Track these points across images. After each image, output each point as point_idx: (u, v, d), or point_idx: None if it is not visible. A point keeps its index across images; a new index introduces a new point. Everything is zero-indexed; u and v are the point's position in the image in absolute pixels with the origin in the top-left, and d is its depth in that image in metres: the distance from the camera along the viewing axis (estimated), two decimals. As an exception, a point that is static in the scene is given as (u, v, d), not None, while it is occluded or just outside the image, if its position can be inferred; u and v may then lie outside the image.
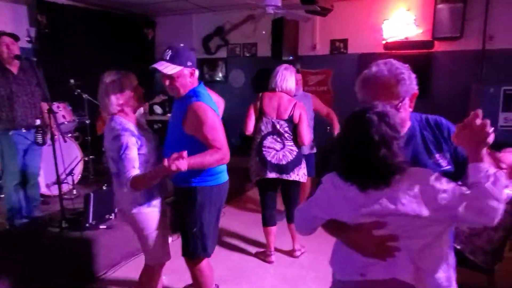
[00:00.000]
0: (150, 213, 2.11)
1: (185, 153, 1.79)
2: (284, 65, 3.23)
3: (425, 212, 1.14)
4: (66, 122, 4.15)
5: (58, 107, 4.08)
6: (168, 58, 2.02)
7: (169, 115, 5.99)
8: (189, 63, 2.05)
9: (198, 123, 2.00)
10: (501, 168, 2.33)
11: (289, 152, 3.09)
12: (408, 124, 1.36)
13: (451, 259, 1.29)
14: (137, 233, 2.16)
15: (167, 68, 1.99)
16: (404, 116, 1.31)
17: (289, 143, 3.10)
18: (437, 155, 1.33)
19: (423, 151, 1.33)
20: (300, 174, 3.14)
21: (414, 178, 1.16)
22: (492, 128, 1.13)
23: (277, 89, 3.16)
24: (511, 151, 2.37)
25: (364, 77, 1.33)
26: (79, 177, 4.30)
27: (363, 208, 1.18)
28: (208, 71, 6.93)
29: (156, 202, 2.13)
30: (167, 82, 2.07)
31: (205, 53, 6.82)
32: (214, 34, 6.72)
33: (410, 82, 1.29)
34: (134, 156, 1.97)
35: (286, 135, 3.09)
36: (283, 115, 3.09)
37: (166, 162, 1.77)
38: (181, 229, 2.23)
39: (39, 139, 3.22)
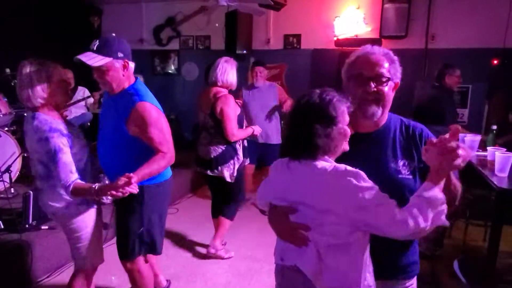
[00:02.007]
0: (88, 213, 2.00)
1: (132, 176, 1.68)
2: (225, 58, 3.13)
3: (337, 208, 1.10)
4: (1, 115, 3.82)
5: (-9, 98, 3.74)
6: (95, 48, 1.85)
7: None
8: (120, 54, 1.88)
9: (143, 125, 1.89)
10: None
11: (213, 148, 3.03)
12: (383, 120, 1.35)
13: (366, 267, 1.18)
14: (70, 235, 2.01)
15: (94, 59, 1.82)
16: (389, 97, 1.33)
17: (216, 139, 3.03)
18: (401, 162, 1.28)
19: (389, 153, 1.29)
20: (225, 173, 3.02)
21: (335, 175, 1.12)
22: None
23: (218, 83, 3.04)
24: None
25: (357, 54, 1.34)
26: (17, 174, 3.98)
27: (279, 192, 1.24)
28: (159, 63, 6.72)
29: (85, 204, 2.00)
30: (96, 75, 1.91)
31: (156, 44, 6.60)
32: (165, 25, 6.51)
33: (396, 70, 1.32)
34: (69, 160, 1.83)
35: (211, 130, 3.04)
36: (206, 109, 3.06)
37: (115, 190, 1.67)
38: (122, 230, 2.10)
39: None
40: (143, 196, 2.00)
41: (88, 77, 2.07)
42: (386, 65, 1.29)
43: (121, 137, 1.95)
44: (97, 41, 1.88)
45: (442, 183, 1.09)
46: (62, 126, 1.89)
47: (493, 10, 4.95)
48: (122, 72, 1.92)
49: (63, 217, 1.97)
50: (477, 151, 3.11)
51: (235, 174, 3.08)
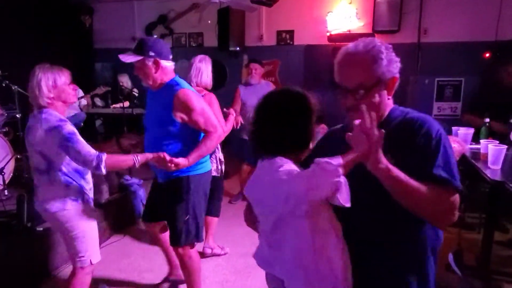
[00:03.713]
0: (84, 209, 2.05)
1: (182, 160, 2.03)
2: (199, 57, 3.08)
3: (277, 204, 1.09)
4: (-8, 117, 3.77)
5: (-18, 100, 3.70)
6: (133, 48, 2.13)
7: (114, 106, 5.72)
8: (151, 53, 2.08)
9: (187, 110, 2.10)
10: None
11: None
12: (384, 114, 1.21)
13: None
14: (65, 233, 2.04)
15: (127, 57, 2.09)
16: (378, 102, 1.17)
17: None
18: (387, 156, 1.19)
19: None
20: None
21: (285, 176, 1.09)
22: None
23: (192, 84, 2.95)
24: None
25: (340, 54, 1.20)
26: (10, 176, 3.95)
27: (249, 188, 1.25)
28: (152, 61, 6.67)
29: (89, 197, 2.10)
30: (135, 72, 2.17)
31: (149, 42, 6.55)
32: (157, 23, 6.47)
33: (388, 64, 1.15)
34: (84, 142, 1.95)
35: None
36: None
37: (156, 159, 1.99)
38: (171, 218, 2.26)
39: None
40: (189, 186, 2.21)
41: (82, 77, 2.09)
42: (371, 65, 1.13)
43: (171, 127, 2.14)
44: (137, 42, 2.16)
45: (348, 161, 1.02)
46: (68, 122, 2.01)
47: (484, 3, 4.97)
48: (154, 70, 2.11)
49: (57, 215, 1.99)
50: (471, 144, 3.13)
51: (219, 167, 3.10)
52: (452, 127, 3.23)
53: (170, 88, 2.13)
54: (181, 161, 2.05)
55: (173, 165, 2.02)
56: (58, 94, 1.99)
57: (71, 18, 6.29)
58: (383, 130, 1.03)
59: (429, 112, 4.68)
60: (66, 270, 2.90)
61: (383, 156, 1.04)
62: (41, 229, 2.96)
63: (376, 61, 1.14)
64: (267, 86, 4.20)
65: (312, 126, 1.18)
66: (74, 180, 2.03)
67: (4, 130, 4.20)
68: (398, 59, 1.19)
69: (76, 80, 5.27)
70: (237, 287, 2.82)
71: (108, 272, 2.98)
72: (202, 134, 2.24)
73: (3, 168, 3.71)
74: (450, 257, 2.36)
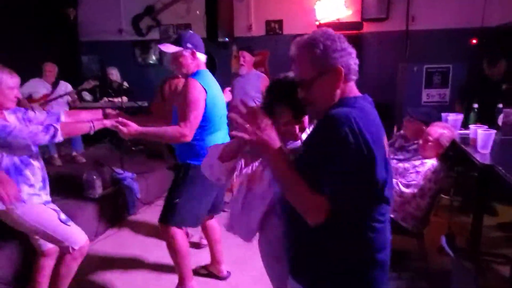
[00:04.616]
0: (25, 206, 2.01)
1: (133, 125, 2.09)
2: None
3: None
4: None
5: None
6: (172, 40, 2.32)
7: (102, 101, 5.65)
8: (189, 45, 2.25)
9: (182, 95, 2.21)
10: (428, 141, 2.54)
11: None
12: (329, 106, 1.18)
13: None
14: (28, 228, 2.06)
15: (168, 47, 2.27)
16: (321, 94, 1.18)
17: None
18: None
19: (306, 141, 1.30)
20: None
21: None
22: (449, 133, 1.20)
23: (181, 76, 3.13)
24: (437, 125, 2.59)
25: None
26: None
27: None
28: (140, 54, 6.58)
29: (37, 191, 2.06)
30: (171, 62, 2.33)
31: (136, 34, 6.45)
32: (144, 14, 6.36)
33: (324, 56, 1.14)
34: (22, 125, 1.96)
35: None
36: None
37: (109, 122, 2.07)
38: (166, 197, 2.42)
39: None
40: (187, 173, 2.32)
41: (69, 71, 2.06)
42: (307, 58, 1.16)
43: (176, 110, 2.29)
44: (175, 35, 2.41)
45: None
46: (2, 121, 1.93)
47: (470, -11, 5.01)
48: (191, 61, 2.28)
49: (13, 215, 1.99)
50: (460, 129, 3.19)
51: None
52: (442, 113, 3.29)
53: (189, 77, 2.28)
54: (132, 125, 2.10)
55: (124, 128, 2.07)
56: None
57: (54, 11, 6.13)
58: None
59: (418, 99, 4.74)
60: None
61: (273, 144, 1.13)
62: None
63: (312, 55, 1.15)
64: (256, 78, 3.99)
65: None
66: (17, 174, 1.98)
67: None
68: (343, 49, 1.15)
69: (63, 74, 5.20)
70: (235, 277, 2.86)
71: (105, 265, 2.99)
72: (208, 131, 2.29)
73: None
74: (443, 239, 2.42)
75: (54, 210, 2.14)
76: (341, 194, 1.10)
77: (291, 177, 1.12)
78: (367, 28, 5.42)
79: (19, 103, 4.47)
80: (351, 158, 1.06)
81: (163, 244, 2.86)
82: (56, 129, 1.95)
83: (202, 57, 2.33)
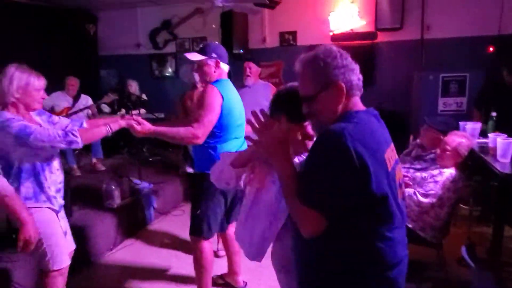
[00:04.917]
0: (40, 211, 1.98)
1: (147, 124, 2.15)
2: None
3: None
4: None
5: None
6: (197, 49, 2.40)
7: (120, 112, 5.77)
8: (213, 55, 2.33)
9: (200, 100, 2.27)
10: (446, 150, 2.52)
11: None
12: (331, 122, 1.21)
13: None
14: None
15: (193, 56, 2.35)
16: (322, 110, 1.21)
17: None
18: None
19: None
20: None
21: None
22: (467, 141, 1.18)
23: (198, 86, 3.36)
24: (455, 134, 2.57)
25: None
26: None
27: None
28: (157, 67, 6.73)
29: (45, 198, 2.01)
30: (196, 69, 2.48)
31: (153, 48, 6.62)
32: (161, 28, 6.53)
33: (325, 72, 1.18)
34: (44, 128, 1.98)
35: None
36: None
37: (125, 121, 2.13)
38: (190, 211, 2.47)
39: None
40: (203, 183, 2.33)
41: (89, 84, 2.13)
42: (307, 75, 1.22)
43: None
44: (201, 45, 2.44)
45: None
46: (17, 119, 1.93)
47: (486, -3, 4.98)
48: (214, 69, 2.35)
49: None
50: (478, 138, 3.15)
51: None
52: (459, 122, 3.25)
53: (209, 85, 2.33)
54: (146, 124, 2.15)
55: (138, 126, 2.11)
56: (25, 96, 1.95)
57: (76, 26, 6.36)
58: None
59: (434, 108, 4.70)
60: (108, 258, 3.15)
61: (281, 151, 1.20)
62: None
63: (314, 72, 1.21)
64: (265, 88, 3.94)
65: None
66: (32, 178, 1.98)
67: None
68: (344, 66, 1.18)
69: (83, 87, 5.33)
70: (251, 286, 2.86)
71: (123, 274, 3.03)
72: (224, 140, 2.32)
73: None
74: (463, 250, 2.38)
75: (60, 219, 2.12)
76: (330, 208, 1.11)
77: (291, 188, 1.16)
78: (381, 37, 5.43)
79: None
80: (340, 172, 1.08)
81: (179, 254, 2.90)
82: (75, 134, 1.96)
83: (225, 67, 2.40)
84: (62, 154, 4.87)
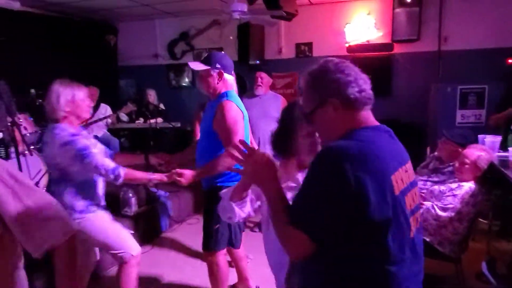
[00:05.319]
0: (98, 215, 2.16)
1: (188, 172, 2.14)
2: None
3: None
4: (28, 134, 3.96)
5: (19, 118, 3.88)
6: (201, 59, 2.34)
7: (138, 122, 5.89)
8: (217, 65, 2.26)
9: (221, 120, 2.20)
10: (465, 164, 2.49)
11: None
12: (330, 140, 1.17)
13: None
14: (93, 239, 2.15)
15: (196, 65, 2.29)
16: (320, 126, 1.19)
17: None
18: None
19: None
20: None
21: None
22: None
23: None
24: (474, 147, 2.54)
25: None
26: (43, 190, 4.11)
27: None
28: (174, 77, 6.85)
29: (94, 208, 2.17)
30: (198, 79, 2.38)
31: (171, 58, 6.74)
32: (179, 40, 6.66)
33: (318, 88, 1.16)
34: (99, 151, 2.08)
35: None
36: None
37: (168, 177, 2.14)
38: (204, 225, 2.38)
39: (2, 154, 3.06)
40: (219, 197, 2.18)
41: (108, 94, 2.20)
42: (305, 96, 1.20)
43: (209, 134, 2.27)
44: (206, 54, 2.38)
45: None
46: (82, 136, 2.10)
47: (505, 8, 4.92)
48: (217, 80, 2.27)
49: (76, 223, 2.07)
50: (498, 151, 3.10)
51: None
52: (478, 135, 3.20)
53: (220, 98, 2.27)
54: (188, 172, 2.15)
55: (182, 179, 2.12)
56: (74, 108, 2.08)
57: (97, 38, 6.55)
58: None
59: (452, 120, 4.63)
60: (112, 272, 3.07)
61: (265, 176, 1.19)
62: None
63: (308, 89, 1.19)
64: (275, 99, 3.93)
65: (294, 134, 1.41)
66: (85, 189, 2.13)
67: (38, 146, 4.39)
68: (336, 80, 1.12)
69: (102, 97, 5.47)
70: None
71: (139, 282, 3.05)
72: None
73: (37, 182, 3.87)
74: (484, 265, 2.33)
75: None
76: (319, 232, 1.04)
77: (276, 209, 1.13)
78: (398, 49, 5.42)
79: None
80: (333, 196, 1.02)
81: (195, 262, 2.91)
82: (120, 174, 2.04)
83: (230, 78, 2.33)
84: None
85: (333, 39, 5.68)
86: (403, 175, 1.10)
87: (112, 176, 2.03)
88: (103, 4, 5.58)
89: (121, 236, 2.23)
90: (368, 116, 1.16)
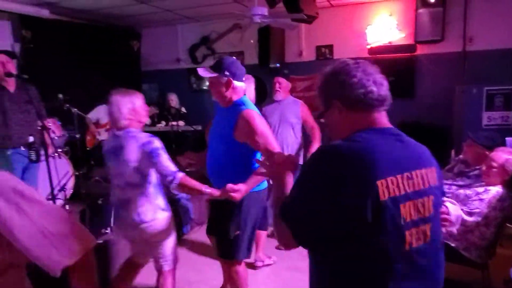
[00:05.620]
0: (167, 217, 2.23)
1: (241, 187, 2.05)
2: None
3: None
4: (56, 138, 4.11)
5: (48, 122, 4.04)
6: (211, 65, 2.26)
7: (159, 125, 6.00)
8: (226, 73, 2.17)
9: (249, 131, 2.13)
10: (493, 167, 2.43)
11: None
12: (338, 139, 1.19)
13: None
14: (155, 240, 2.20)
15: (204, 72, 2.22)
16: (330, 125, 1.21)
17: None
18: None
19: None
20: None
21: None
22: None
23: None
24: (502, 150, 2.48)
25: None
26: (70, 192, 4.25)
27: None
28: (195, 81, 6.95)
29: (167, 206, 2.26)
30: (209, 86, 2.32)
31: (192, 62, 6.84)
32: (200, 44, 6.75)
33: (324, 90, 1.20)
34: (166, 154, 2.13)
35: None
36: None
37: (221, 194, 2.05)
38: (222, 232, 2.29)
39: (33, 156, 3.19)
40: (243, 202, 2.19)
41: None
42: (318, 95, 1.23)
43: (232, 145, 2.20)
44: (215, 60, 2.30)
45: None
46: (156, 138, 2.18)
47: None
48: (225, 88, 2.20)
49: (149, 224, 2.14)
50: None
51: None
52: (506, 138, 3.12)
53: (237, 107, 2.21)
54: (242, 187, 2.07)
55: (236, 194, 2.05)
56: (135, 115, 2.17)
57: (121, 43, 6.72)
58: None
59: (478, 122, 4.52)
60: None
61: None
62: (101, 241, 3.16)
63: (318, 91, 1.22)
64: (294, 104, 3.86)
65: None
66: (160, 191, 2.21)
67: (65, 149, 4.54)
68: (340, 81, 1.14)
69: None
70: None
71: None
72: (251, 156, 2.25)
73: (64, 185, 4.01)
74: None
75: None
76: (296, 226, 1.07)
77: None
78: (421, 50, 5.33)
79: (88, 129, 4.91)
80: (312, 191, 1.05)
81: (215, 263, 2.94)
82: (176, 177, 2.05)
83: (240, 85, 2.25)
84: (105, 162, 5.11)
85: (354, 41, 5.64)
86: (402, 181, 1.04)
87: (170, 178, 2.05)
88: (128, 11, 5.73)
89: (174, 243, 2.30)
90: (377, 118, 1.14)
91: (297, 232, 1.08)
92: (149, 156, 2.07)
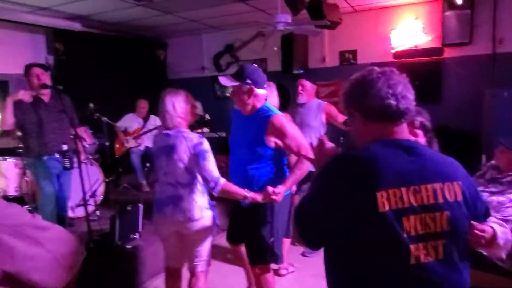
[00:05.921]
0: (211, 216, 2.27)
1: (278, 191, 2.09)
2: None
3: None
4: (87, 145, 4.25)
5: (79, 131, 4.19)
6: (233, 73, 2.26)
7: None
8: (248, 81, 2.18)
9: (281, 135, 2.18)
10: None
11: None
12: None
13: None
14: (196, 237, 2.24)
15: (225, 81, 2.23)
16: (352, 132, 1.24)
17: None
18: None
19: None
20: None
21: None
22: None
23: None
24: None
25: None
26: (100, 198, 4.38)
27: None
28: (219, 88, 7.05)
29: (210, 206, 2.30)
30: (231, 94, 2.32)
31: (216, 70, 6.96)
32: (224, 52, 6.87)
33: (346, 100, 1.22)
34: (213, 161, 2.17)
35: None
36: None
37: (263, 197, 2.10)
38: (255, 237, 2.28)
39: (67, 164, 3.33)
40: (274, 208, 2.24)
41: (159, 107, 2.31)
42: (343, 99, 1.25)
43: (262, 150, 2.23)
44: (236, 68, 2.31)
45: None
46: (205, 140, 2.22)
47: None
48: (247, 96, 2.21)
49: (196, 222, 2.19)
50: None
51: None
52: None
53: (264, 113, 2.23)
54: (281, 189, 2.12)
55: (277, 197, 2.09)
56: (186, 114, 2.24)
57: (148, 53, 6.92)
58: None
59: (509, 126, 4.35)
60: (153, 284, 3.17)
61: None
62: (130, 246, 3.25)
63: (342, 97, 1.25)
64: (318, 106, 3.82)
65: None
66: (206, 191, 2.25)
67: (96, 156, 4.70)
68: (359, 92, 1.17)
69: (153, 108, 5.74)
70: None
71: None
72: (281, 159, 2.32)
73: (95, 191, 4.14)
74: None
75: None
76: (302, 225, 1.13)
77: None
78: (448, 53, 5.21)
79: (117, 137, 5.00)
80: (319, 196, 1.12)
81: (239, 269, 2.95)
82: (219, 182, 2.09)
83: (262, 92, 2.25)
84: (133, 170, 5.25)
85: (378, 45, 5.58)
86: (407, 194, 1.03)
87: (212, 184, 2.09)
88: (154, 21, 5.90)
89: (211, 245, 2.32)
90: (394, 130, 1.14)
91: (301, 232, 1.14)
92: (196, 157, 2.11)
